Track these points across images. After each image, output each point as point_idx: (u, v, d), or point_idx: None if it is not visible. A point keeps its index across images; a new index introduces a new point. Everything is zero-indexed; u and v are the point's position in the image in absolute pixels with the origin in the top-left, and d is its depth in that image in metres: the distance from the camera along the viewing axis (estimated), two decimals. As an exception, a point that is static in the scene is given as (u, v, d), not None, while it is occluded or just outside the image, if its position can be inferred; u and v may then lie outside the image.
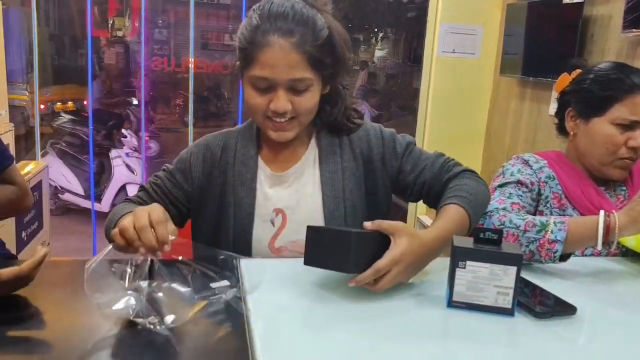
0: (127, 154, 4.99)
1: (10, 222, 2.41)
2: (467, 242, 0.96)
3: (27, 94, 5.27)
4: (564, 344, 0.90)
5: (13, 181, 1.41)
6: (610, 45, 2.41)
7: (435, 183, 1.24)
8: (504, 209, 1.28)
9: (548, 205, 1.40)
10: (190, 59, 3.71)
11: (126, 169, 4.92)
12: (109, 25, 7.22)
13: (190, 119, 3.66)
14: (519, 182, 1.38)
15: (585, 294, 1.07)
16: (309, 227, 1.00)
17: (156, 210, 0.97)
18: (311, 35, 1.12)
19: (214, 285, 1.01)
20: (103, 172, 5.10)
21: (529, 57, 2.91)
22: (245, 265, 1.09)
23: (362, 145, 1.27)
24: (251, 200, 1.23)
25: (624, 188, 1.46)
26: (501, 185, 1.38)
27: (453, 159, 1.29)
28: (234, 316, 0.93)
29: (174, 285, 0.98)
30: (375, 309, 0.95)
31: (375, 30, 8.19)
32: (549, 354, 0.86)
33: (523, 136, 3.07)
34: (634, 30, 2.16)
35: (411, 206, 3.57)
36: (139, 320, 0.86)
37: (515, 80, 3.13)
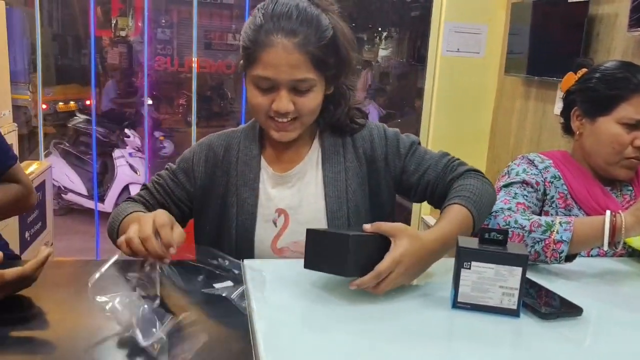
0: (130, 154, 5.00)
1: (13, 222, 2.41)
2: (472, 243, 0.95)
3: (29, 93, 5.28)
4: (569, 345, 0.89)
5: (17, 180, 1.42)
6: (616, 44, 2.40)
7: (439, 183, 1.23)
8: (509, 209, 1.27)
9: (554, 205, 1.39)
10: (193, 59, 3.72)
11: (129, 169, 4.93)
12: (112, 25, 7.23)
13: (193, 118, 3.66)
14: (524, 182, 1.38)
15: (591, 295, 1.06)
16: (308, 231, 0.99)
17: (160, 215, 0.98)
18: (315, 35, 1.11)
19: (217, 285, 1.01)
20: (106, 172, 5.12)
21: (534, 57, 2.90)
22: (249, 265, 1.09)
23: (366, 145, 1.26)
24: (254, 201, 1.23)
25: (630, 188, 1.45)
26: (506, 185, 1.38)
27: (458, 159, 1.27)
28: (238, 317, 0.92)
29: (177, 284, 0.98)
30: (379, 310, 0.95)
31: (379, 29, 8.18)
32: (554, 355, 0.85)
33: (528, 136, 3.06)
34: (639, 29, 2.15)
35: (415, 206, 3.56)
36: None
37: (520, 79, 3.12)
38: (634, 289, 1.15)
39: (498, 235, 0.94)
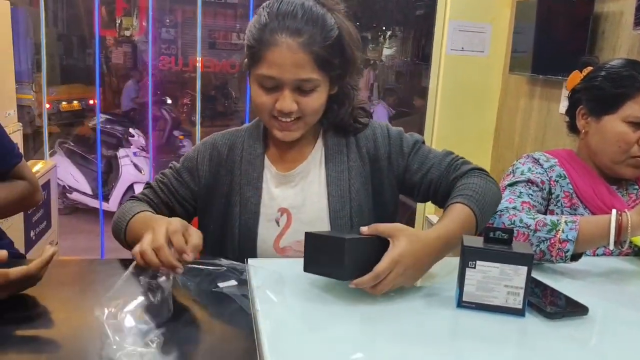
0: (134, 154, 5.01)
1: (18, 221, 2.42)
2: (477, 242, 0.95)
3: (33, 93, 5.30)
4: (575, 345, 0.89)
5: (23, 177, 1.43)
6: (621, 42, 2.38)
7: (442, 182, 1.22)
8: (514, 208, 1.27)
9: (559, 204, 1.38)
10: (197, 58, 3.72)
11: (134, 168, 4.94)
12: (117, 24, 7.24)
13: (197, 118, 3.67)
14: (529, 181, 1.37)
15: (597, 294, 1.06)
16: (307, 234, 0.99)
17: (173, 222, 0.98)
18: (320, 35, 1.10)
19: (221, 284, 1.01)
20: (111, 172, 5.14)
21: (538, 55, 2.89)
22: (253, 265, 1.09)
23: (369, 144, 1.26)
24: (257, 200, 1.22)
25: (636, 187, 1.44)
26: (511, 184, 1.37)
27: (462, 157, 1.26)
28: (242, 316, 0.92)
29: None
30: (384, 310, 0.94)
31: (384, 28, 8.16)
32: (560, 354, 0.85)
33: (532, 135, 3.05)
34: (645, 27, 2.14)
35: (419, 205, 3.55)
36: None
37: (524, 78, 3.11)
38: (640, 288, 1.14)
39: (503, 235, 0.94)
